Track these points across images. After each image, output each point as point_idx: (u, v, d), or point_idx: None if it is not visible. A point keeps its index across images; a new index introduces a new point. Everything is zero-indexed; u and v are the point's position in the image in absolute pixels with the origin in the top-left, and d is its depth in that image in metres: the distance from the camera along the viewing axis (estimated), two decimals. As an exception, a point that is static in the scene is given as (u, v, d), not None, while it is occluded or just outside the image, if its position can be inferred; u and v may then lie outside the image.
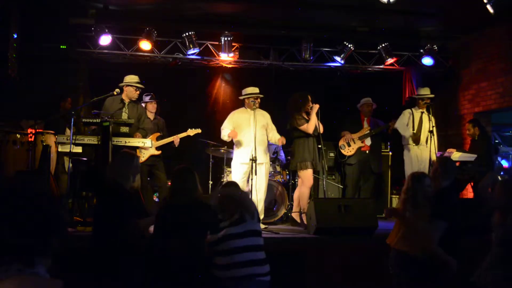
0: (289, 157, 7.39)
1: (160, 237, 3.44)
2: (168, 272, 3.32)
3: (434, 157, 6.36)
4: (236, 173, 6.12)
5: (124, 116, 5.92)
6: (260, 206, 5.92)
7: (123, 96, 6.07)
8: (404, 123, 6.91)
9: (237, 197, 3.64)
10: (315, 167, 6.18)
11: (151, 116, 6.76)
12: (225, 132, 6.16)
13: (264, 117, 6.22)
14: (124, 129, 5.54)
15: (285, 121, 6.44)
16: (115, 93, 5.79)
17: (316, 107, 6.09)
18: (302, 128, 6.12)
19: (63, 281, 1.37)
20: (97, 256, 3.48)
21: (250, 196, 5.80)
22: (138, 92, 6.12)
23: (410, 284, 3.65)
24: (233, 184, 4.18)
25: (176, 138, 6.59)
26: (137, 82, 6.11)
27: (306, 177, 6.19)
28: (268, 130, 6.23)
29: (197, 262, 3.38)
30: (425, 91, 6.99)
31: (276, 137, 6.21)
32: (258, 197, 5.86)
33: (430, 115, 6.68)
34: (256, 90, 6.21)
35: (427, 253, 3.59)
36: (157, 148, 6.51)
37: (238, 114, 6.25)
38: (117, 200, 3.52)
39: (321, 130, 6.17)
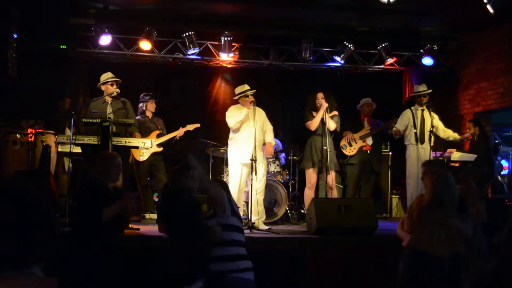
0: (289, 157, 7.41)
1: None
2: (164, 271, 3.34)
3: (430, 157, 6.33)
4: (235, 173, 6.00)
5: (109, 115, 5.79)
6: (260, 207, 5.90)
7: (105, 95, 5.94)
8: (404, 123, 6.81)
9: (210, 192, 3.62)
10: (320, 167, 6.17)
11: (150, 115, 6.79)
12: (237, 118, 5.91)
13: (262, 116, 6.09)
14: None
15: (285, 121, 6.47)
16: (115, 93, 5.80)
17: (323, 106, 6.12)
18: (306, 125, 6.26)
19: (57, 280, 1.38)
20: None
21: (248, 196, 5.81)
22: (115, 86, 5.91)
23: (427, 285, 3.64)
24: (217, 181, 4.20)
25: (176, 133, 6.66)
26: (112, 77, 5.95)
27: (307, 176, 6.23)
28: (264, 130, 6.10)
29: (190, 261, 3.35)
30: (423, 88, 6.86)
31: (267, 140, 6.09)
32: (258, 198, 5.85)
33: (431, 114, 6.63)
34: (246, 87, 6.07)
35: (452, 252, 3.61)
36: (159, 145, 6.57)
37: (238, 110, 6.03)
38: (91, 195, 3.56)
39: (331, 128, 6.21)
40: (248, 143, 5.83)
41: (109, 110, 5.89)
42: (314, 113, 6.29)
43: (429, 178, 3.83)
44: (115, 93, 5.86)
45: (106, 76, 6.00)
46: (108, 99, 5.93)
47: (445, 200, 3.66)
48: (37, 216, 1.40)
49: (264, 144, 6.14)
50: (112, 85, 5.91)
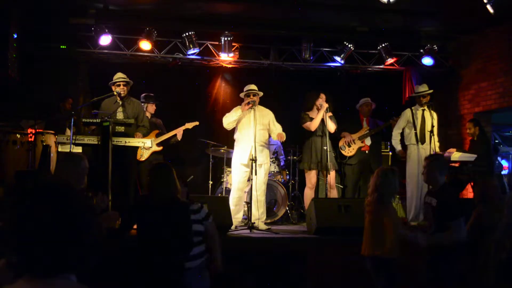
0: (289, 157, 7.42)
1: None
2: (144, 273, 3.30)
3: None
4: (236, 173, 6.08)
5: (120, 115, 5.78)
6: (261, 207, 5.91)
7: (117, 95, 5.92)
8: (402, 125, 6.85)
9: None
10: (320, 168, 6.18)
11: (149, 116, 6.80)
12: (229, 118, 6.00)
13: (265, 116, 6.10)
14: (120, 129, 5.50)
15: (285, 121, 6.47)
16: (115, 93, 5.79)
17: (324, 106, 6.13)
18: (304, 126, 6.25)
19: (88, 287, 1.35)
20: None
21: (248, 196, 5.81)
22: (121, 86, 5.86)
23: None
24: None
25: (176, 132, 6.66)
26: (118, 78, 5.91)
27: (307, 177, 6.25)
28: (270, 129, 6.13)
29: (171, 262, 3.28)
30: (423, 88, 6.87)
31: (275, 133, 6.08)
32: (258, 198, 5.85)
33: (432, 114, 6.64)
34: (251, 86, 6.11)
35: (395, 252, 3.63)
36: (158, 144, 6.58)
37: (236, 111, 6.09)
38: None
39: (332, 130, 6.24)
40: (247, 143, 5.89)
41: (120, 110, 5.84)
42: (311, 114, 6.29)
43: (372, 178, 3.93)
44: (115, 94, 5.84)
45: (116, 76, 5.97)
46: (119, 100, 5.89)
47: (384, 197, 3.75)
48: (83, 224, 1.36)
49: (268, 144, 6.22)
50: (118, 85, 5.88)
